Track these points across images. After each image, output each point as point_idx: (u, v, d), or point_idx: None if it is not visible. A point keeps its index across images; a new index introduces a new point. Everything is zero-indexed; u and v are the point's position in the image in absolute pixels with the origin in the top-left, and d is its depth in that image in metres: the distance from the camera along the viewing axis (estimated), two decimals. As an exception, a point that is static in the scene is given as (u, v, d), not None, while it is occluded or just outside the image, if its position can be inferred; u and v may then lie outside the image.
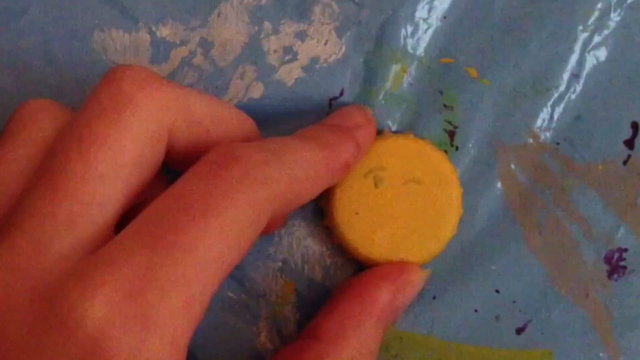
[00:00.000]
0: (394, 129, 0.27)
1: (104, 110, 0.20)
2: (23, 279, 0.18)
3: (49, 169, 0.20)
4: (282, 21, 0.27)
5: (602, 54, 0.28)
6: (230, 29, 0.27)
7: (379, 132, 0.27)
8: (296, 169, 0.21)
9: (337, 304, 0.25)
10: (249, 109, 0.26)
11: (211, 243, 0.19)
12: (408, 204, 0.26)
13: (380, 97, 0.28)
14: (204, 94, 0.23)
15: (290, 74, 0.27)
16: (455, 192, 0.26)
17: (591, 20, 0.28)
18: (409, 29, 0.28)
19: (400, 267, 0.26)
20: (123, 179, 0.20)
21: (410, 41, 0.28)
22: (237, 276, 0.26)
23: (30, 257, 0.19)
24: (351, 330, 0.24)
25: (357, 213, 0.26)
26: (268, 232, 0.26)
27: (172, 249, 0.18)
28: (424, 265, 0.26)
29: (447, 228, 0.26)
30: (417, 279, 0.26)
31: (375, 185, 0.26)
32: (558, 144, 0.28)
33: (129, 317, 0.17)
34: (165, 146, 0.21)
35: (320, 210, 0.27)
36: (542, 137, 0.28)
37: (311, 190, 0.23)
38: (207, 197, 0.19)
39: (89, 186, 0.19)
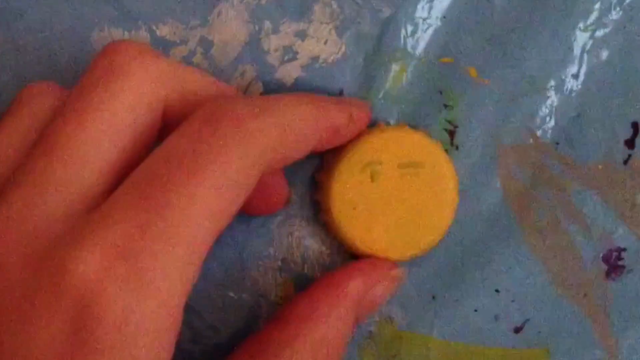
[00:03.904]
0: (393, 128, 0.27)
1: (98, 79, 0.20)
2: (16, 238, 0.18)
3: (44, 135, 0.20)
4: (282, 20, 0.27)
5: (602, 53, 0.28)
6: (230, 28, 0.27)
7: (375, 125, 0.27)
8: (286, 122, 0.21)
9: (309, 290, 0.25)
10: (249, 108, 0.26)
11: (204, 201, 0.18)
12: (405, 196, 0.26)
13: (380, 96, 0.27)
14: (199, 69, 0.23)
15: (290, 74, 0.27)
16: (451, 182, 0.26)
17: (591, 19, 0.28)
18: (409, 28, 0.28)
19: (375, 261, 0.26)
20: (117, 144, 0.20)
21: (410, 41, 0.28)
22: (237, 276, 0.26)
23: (23, 217, 0.19)
24: (321, 313, 0.23)
25: (354, 207, 0.26)
26: (266, 211, 0.26)
27: (164, 208, 0.18)
28: (422, 257, 0.27)
29: (444, 219, 0.26)
30: (392, 275, 0.26)
31: (372, 179, 0.26)
32: (558, 143, 0.28)
33: (122, 277, 0.17)
34: (160, 117, 0.21)
35: (317, 204, 0.27)
36: (542, 136, 0.28)
37: (301, 147, 0.22)
38: (197, 154, 0.19)
39: (83, 149, 0.19)
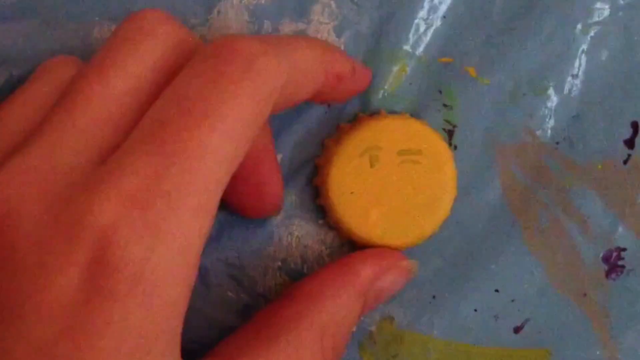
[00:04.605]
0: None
1: (125, 40, 0.20)
2: (36, 184, 0.18)
3: (68, 90, 0.20)
4: (282, 20, 0.27)
5: (602, 53, 0.28)
6: (230, 28, 0.27)
7: (376, 113, 0.27)
8: (295, 62, 0.21)
9: (319, 271, 0.25)
10: (249, 108, 0.26)
11: (217, 146, 0.18)
12: (403, 184, 0.26)
13: (380, 96, 0.27)
14: None
15: (289, 73, 0.27)
16: (450, 172, 0.26)
17: (590, 19, 0.28)
18: (409, 28, 0.28)
19: (387, 250, 0.26)
20: (140, 104, 0.20)
21: (409, 41, 0.28)
22: (237, 276, 0.26)
23: (44, 165, 0.19)
24: (329, 294, 0.24)
25: (352, 192, 0.26)
26: (260, 212, 0.26)
27: (179, 155, 0.18)
28: (418, 246, 0.26)
29: (442, 209, 0.26)
30: (404, 265, 0.26)
31: (371, 165, 0.26)
32: (557, 143, 0.28)
33: (137, 225, 0.17)
34: None
35: (315, 188, 0.27)
36: (542, 136, 0.28)
37: (307, 86, 0.22)
38: (209, 96, 0.19)
39: (105, 104, 0.20)
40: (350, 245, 0.27)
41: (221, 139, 0.18)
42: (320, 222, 0.27)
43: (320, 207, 0.27)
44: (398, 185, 0.26)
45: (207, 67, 0.19)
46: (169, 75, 0.21)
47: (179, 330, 0.19)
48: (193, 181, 0.18)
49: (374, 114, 0.27)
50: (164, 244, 0.17)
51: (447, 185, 0.26)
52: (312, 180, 0.27)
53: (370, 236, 0.26)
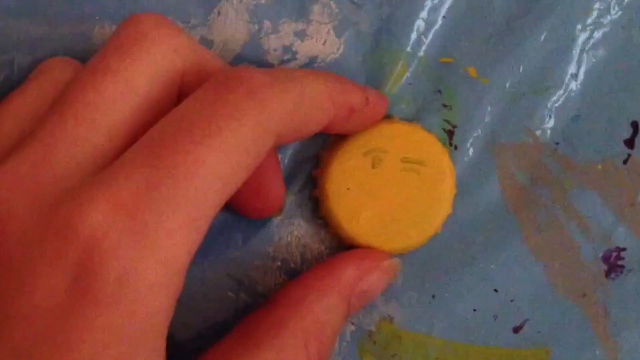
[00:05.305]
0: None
1: (119, 46, 0.21)
2: (25, 191, 0.19)
3: (61, 96, 0.20)
4: (282, 20, 0.27)
5: (601, 53, 0.28)
6: (230, 28, 0.27)
7: (388, 117, 0.27)
8: (302, 95, 0.21)
9: (302, 276, 0.25)
10: (249, 108, 0.26)
11: (213, 164, 0.18)
12: (400, 191, 0.26)
13: (380, 96, 0.27)
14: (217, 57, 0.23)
15: (289, 73, 0.27)
16: (447, 190, 0.26)
17: (590, 19, 0.28)
18: (408, 28, 0.28)
19: (369, 251, 0.26)
20: (132, 110, 0.20)
21: (409, 41, 0.28)
22: (237, 276, 0.26)
23: (33, 172, 0.19)
24: (313, 298, 0.23)
25: (348, 188, 0.26)
26: (261, 213, 0.26)
27: (173, 169, 0.18)
28: (400, 256, 0.26)
29: (432, 224, 0.26)
30: (386, 265, 0.26)
31: (373, 166, 0.26)
32: (557, 143, 0.28)
33: (124, 233, 0.17)
34: (177, 89, 0.21)
35: (313, 179, 0.27)
36: (541, 136, 0.28)
37: (315, 120, 0.22)
38: (210, 118, 0.19)
39: (97, 111, 0.20)
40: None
41: (218, 159, 0.19)
42: (320, 221, 0.27)
43: (314, 200, 0.27)
44: (395, 191, 0.26)
45: (213, 93, 0.20)
46: (167, 80, 0.21)
47: (163, 338, 0.19)
48: (185, 196, 0.18)
49: (386, 117, 0.27)
50: (150, 253, 0.18)
51: (442, 201, 0.26)
52: (311, 171, 0.27)
53: (356, 234, 0.26)
